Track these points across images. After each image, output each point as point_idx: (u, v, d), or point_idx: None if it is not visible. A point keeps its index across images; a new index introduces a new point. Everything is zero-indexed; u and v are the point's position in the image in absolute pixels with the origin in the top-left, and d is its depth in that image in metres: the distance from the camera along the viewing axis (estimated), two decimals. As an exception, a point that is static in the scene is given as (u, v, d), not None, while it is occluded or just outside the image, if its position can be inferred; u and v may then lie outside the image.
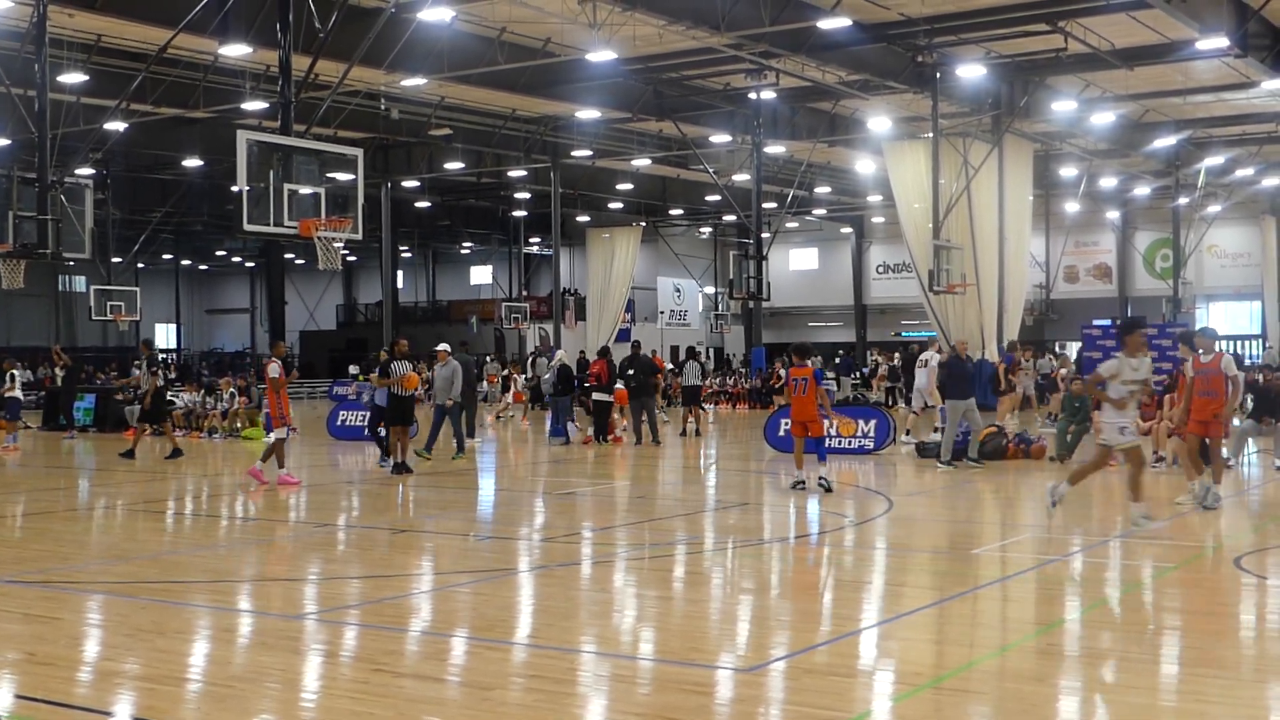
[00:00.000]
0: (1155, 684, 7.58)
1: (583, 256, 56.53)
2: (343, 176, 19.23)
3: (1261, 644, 8.68)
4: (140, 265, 60.69)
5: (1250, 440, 20.32)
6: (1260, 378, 22.62)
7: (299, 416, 31.50)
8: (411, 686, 7.41)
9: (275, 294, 70.75)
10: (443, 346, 22.71)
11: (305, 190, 18.13)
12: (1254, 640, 8.85)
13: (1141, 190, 52.04)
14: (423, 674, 7.76)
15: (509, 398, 35.18)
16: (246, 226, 17.42)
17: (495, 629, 9.02)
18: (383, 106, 35.08)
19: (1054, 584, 10.77)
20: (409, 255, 69.45)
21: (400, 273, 65.56)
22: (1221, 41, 26.78)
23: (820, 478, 16.55)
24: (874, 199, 52.90)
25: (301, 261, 66.59)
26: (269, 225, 17.52)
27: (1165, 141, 41.79)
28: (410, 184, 48.82)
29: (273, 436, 18.52)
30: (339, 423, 28.17)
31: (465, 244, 68.41)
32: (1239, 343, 54.80)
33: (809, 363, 17.43)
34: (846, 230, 63.98)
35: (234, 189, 17.61)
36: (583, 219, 56.05)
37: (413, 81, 30.80)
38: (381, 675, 7.56)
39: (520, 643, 8.64)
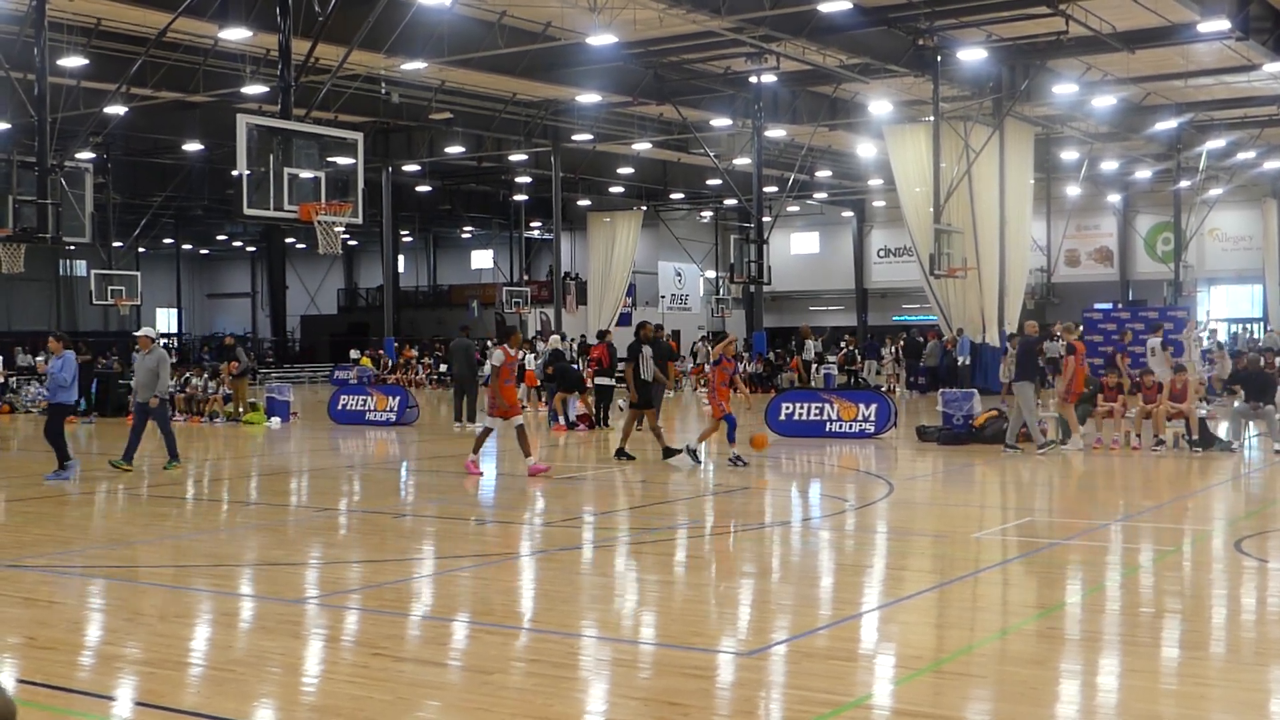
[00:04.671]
0: (1155, 667, 7.59)
1: (583, 241, 56.48)
2: (343, 161, 19.18)
3: (1261, 627, 8.68)
4: (141, 250, 60.66)
5: (1250, 423, 20.33)
6: (1248, 359, 22.70)
7: (299, 401, 31.56)
8: (411, 671, 7.42)
9: (276, 279, 70.85)
10: (143, 332, 18.76)
11: (305, 174, 18.08)
12: (1254, 623, 8.85)
13: (1143, 174, 51.94)
14: (423, 658, 7.77)
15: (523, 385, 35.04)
16: (246, 211, 17.39)
17: (495, 613, 9.04)
18: (383, 90, 35.01)
19: (1055, 568, 10.78)
20: (410, 240, 69.41)
21: (401, 257, 65.55)
22: (1223, 24, 26.71)
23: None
24: (875, 183, 52.81)
25: (302, 246, 66.59)
26: (269, 209, 17.49)
27: (1166, 125, 41.70)
28: (411, 168, 48.73)
29: (479, 426, 17.72)
30: (340, 407, 28.18)
31: (466, 228, 68.37)
32: (1241, 326, 54.82)
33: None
34: (847, 214, 63.89)
35: (234, 173, 17.55)
36: (583, 203, 55.98)
37: (413, 65, 30.75)
38: (381, 659, 7.57)
39: (521, 627, 8.65)
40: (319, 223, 18.04)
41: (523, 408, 18.09)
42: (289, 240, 66.91)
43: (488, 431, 17.76)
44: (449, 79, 35.40)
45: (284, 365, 59.96)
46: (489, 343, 51.87)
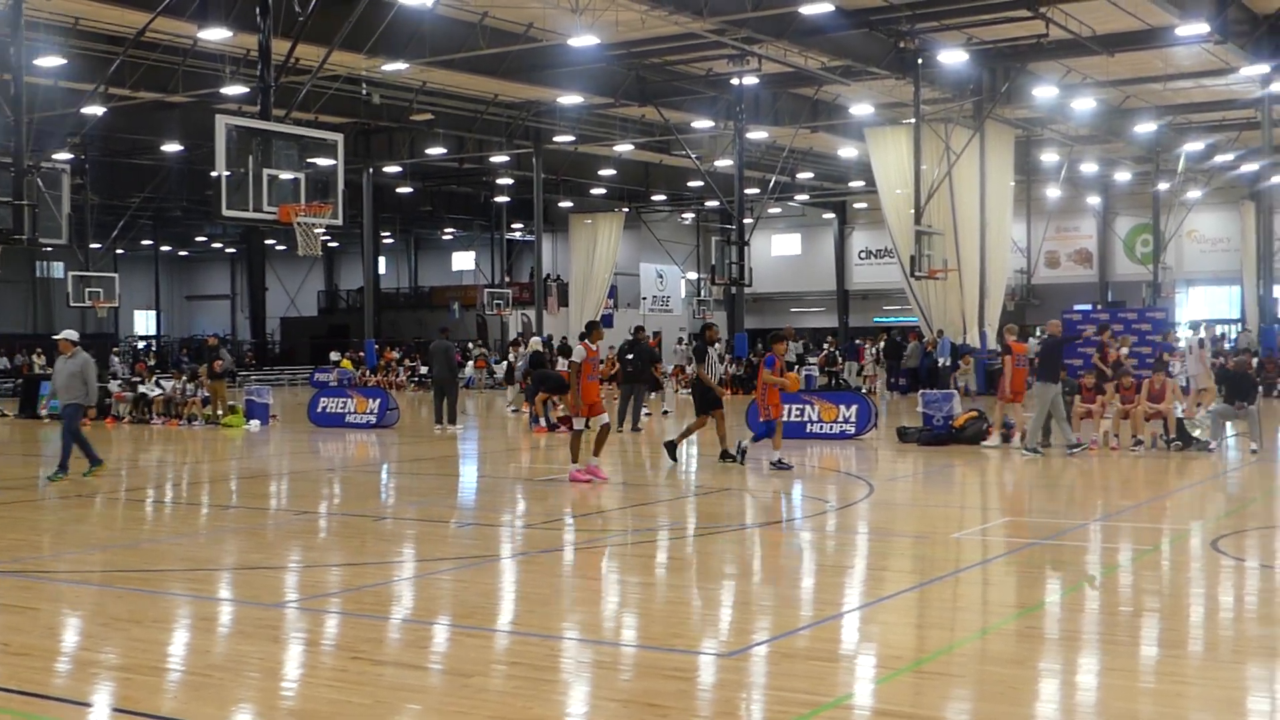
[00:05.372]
0: (1134, 666, 7.60)
1: (565, 242, 56.45)
2: (323, 162, 19.15)
3: (1239, 625, 8.70)
4: (119, 251, 60.33)
5: (1229, 424, 20.41)
6: (1226, 361, 22.81)
7: (279, 403, 31.48)
8: (391, 674, 7.39)
9: (256, 280, 70.59)
10: (64, 335, 17.79)
11: (285, 175, 18.05)
12: (1232, 621, 8.88)
13: (1122, 176, 52.18)
14: (402, 661, 7.74)
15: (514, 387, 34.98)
16: (225, 212, 17.34)
17: (475, 616, 9.01)
18: (364, 92, 34.96)
19: (1034, 567, 10.79)
20: (391, 241, 69.27)
21: (382, 259, 65.38)
22: (1201, 27, 26.85)
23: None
24: (856, 184, 52.96)
25: (282, 248, 66.43)
26: (248, 211, 17.45)
27: (1146, 127, 41.89)
28: (392, 169, 48.68)
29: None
30: (320, 410, 28.09)
31: (447, 230, 68.28)
32: (1219, 327, 55.05)
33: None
34: (829, 216, 64.00)
35: (213, 174, 17.49)
36: (565, 205, 55.96)
37: (394, 66, 30.72)
38: (360, 663, 7.54)
39: (501, 629, 8.62)
40: (299, 224, 18.00)
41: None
42: (269, 242, 66.69)
43: (578, 435, 16.67)
44: (430, 80, 35.36)
45: (264, 367, 59.75)
46: (469, 344, 52.05)
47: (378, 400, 27.77)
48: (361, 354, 48.43)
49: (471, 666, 7.53)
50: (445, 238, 70.43)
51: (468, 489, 17.63)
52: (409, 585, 10.31)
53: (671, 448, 18.67)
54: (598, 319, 19.49)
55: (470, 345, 52.64)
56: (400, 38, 28.39)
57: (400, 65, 30.47)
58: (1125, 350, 27.26)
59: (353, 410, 27.50)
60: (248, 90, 29.96)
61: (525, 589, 10.09)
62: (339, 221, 18.79)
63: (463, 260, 70.93)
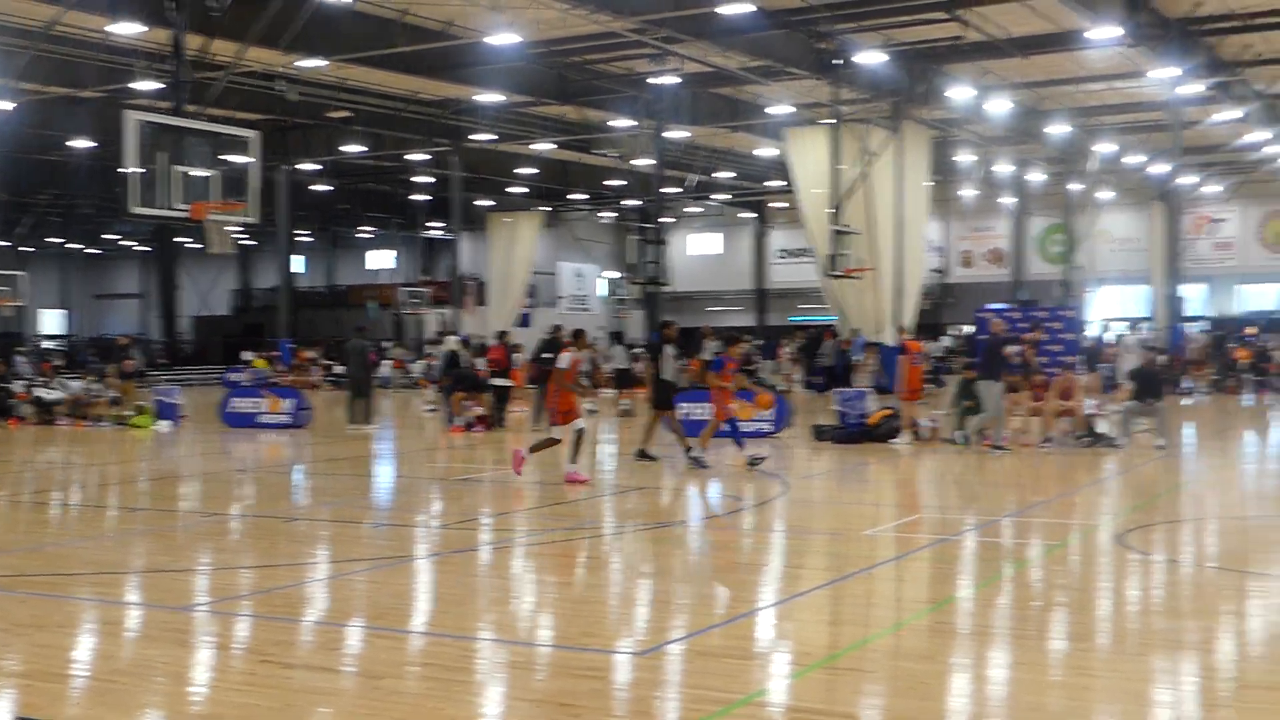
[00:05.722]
0: (1043, 660, 7.69)
1: (484, 241, 56.17)
2: (238, 159, 18.88)
3: (1145, 618, 8.85)
4: (27, 249, 59.22)
5: (1137, 420, 20.76)
6: (1145, 359, 23.24)
7: (190, 403, 31.03)
8: (301, 677, 7.30)
9: (167, 279, 69.57)
10: None
11: (198, 172, 17.77)
12: (1138, 615, 9.02)
13: (1036, 176, 52.89)
14: (312, 664, 7.65)
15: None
16: (134, 209, 17.04)
17: (388, 617, 8.93)
18: (281, 88, 34.53)
19: (946, 563, 10.91)
20: (307, 239, 68.53)
21: (298, 257, 64.73)
22: (1113, 31, 27.25)
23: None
24: (775, 184, 53.18)
25: (195, 246, 65.36)
26: (159, 208, 17.16)
27: (1059, 129, 42.47)
28: (309, 167, 48.13)
29: (556, 432, 16.46)
30: (232, 410, 27.72)
31: (365, 228, 67.65)
32: (1129, 325, 56.02)
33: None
34: (748, 215, 64.30)
35: (122, 170, 17.18)
36: (484, 203, 55.69)
37: (311, 63, 30.36)
38: (269, 666, 7.44)
39: (414, 630, 8.56)
40: (211, 222, 17.75)
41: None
42: (181, 240, 65.72)
43: (552, 441, 16.45)
44: (349, 77, 35.00)
45: (175, 367, 58.84)
46: (386, 344, 51.64)
47: (291, 400, 27.47)
48: (276, 353, 47.86)
49: (383, 668, 7.46)
50: (362, 236, 69.80)
51: (383, 489, 17.49)
52: (321, 587, 10.20)
53: (642, 454, 18.57)
54: (567, 331, 19.12)
55: (387, 344, 52.27)
56: (318, 34, 28.05)
57: (318, 62, 30.13)
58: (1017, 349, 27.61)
59: (266, 410, 27.17)
60: (162, 86, 29.48)
61: (440, 590, 10.03)
62: (253, 219, 18.56)
63: (380, 259, 70.36)
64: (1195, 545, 12.09)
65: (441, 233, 63.12)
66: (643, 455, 18.49)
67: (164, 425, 26.58)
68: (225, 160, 18.56)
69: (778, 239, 64.38)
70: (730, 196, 59.13)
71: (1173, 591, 9.90)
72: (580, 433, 16.28)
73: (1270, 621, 8.67)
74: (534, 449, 16.64)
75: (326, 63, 30.39)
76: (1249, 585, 9.79)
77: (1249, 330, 47.07)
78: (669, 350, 18.80)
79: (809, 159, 37.27)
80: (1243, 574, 10.16)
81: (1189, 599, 9.54)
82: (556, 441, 16.38)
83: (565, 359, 16.48)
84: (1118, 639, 8.23)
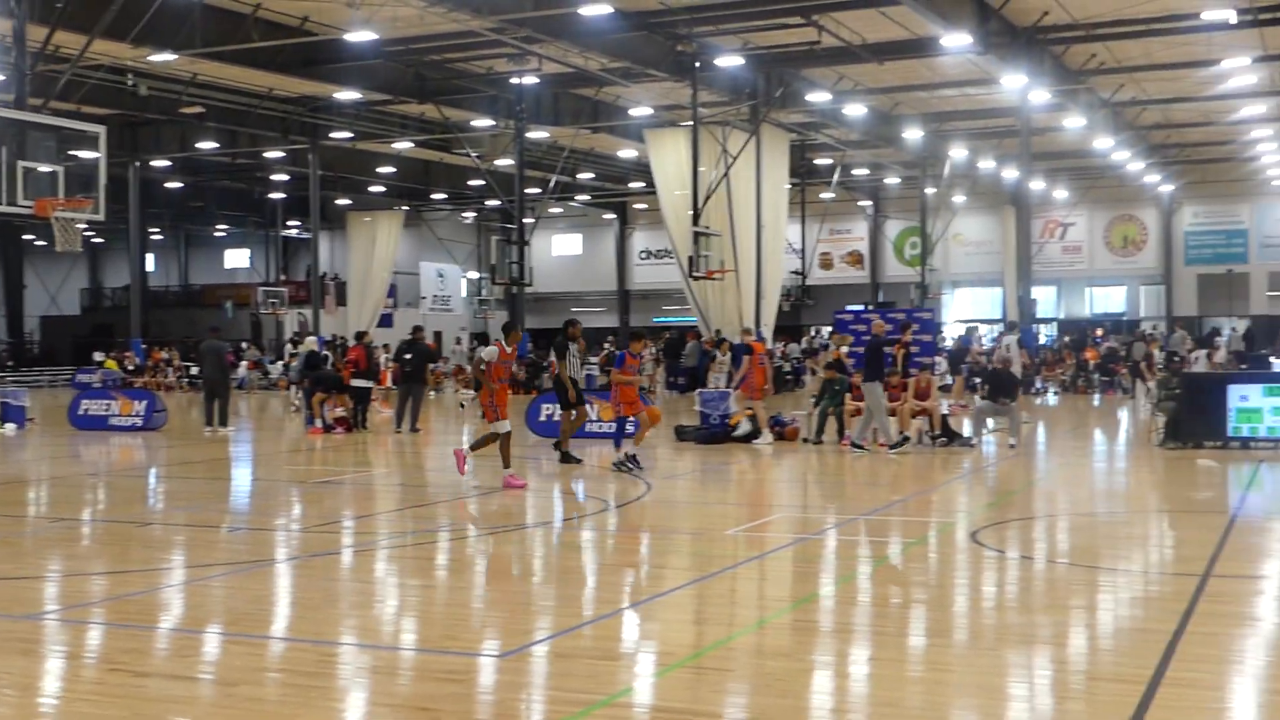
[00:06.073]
0: (902, 656, 7.82)
1: (343, 240, 55.47)
2: (85, 154, 18.36)
3: (1000, 614, 9.05)
4: None
5: (990, 420, 21.25)
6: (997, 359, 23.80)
7: (38, 406, 30.10)
8: (153, 685, 7.10)
9: (12, 277, 67.38)
10: None
11: (43, 168, 17.24)
12: (993, 610, 9.23)
13: (892, 180, 53.94)
14: (165, 672, 7.45)
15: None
16: (-26, 205, 16.48)
17: (244, 622, 8.73)
18: (130, 82, 33.65)
19: (807, 561, 11.04)
20: (160, 237, 66.92)
21: (150, 255, 63.19)
22: (964, 39, 27.90)
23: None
24: (636, 185, 53.45)
25: (42, 243, 63.45)
26: (1, 204, 16.59)
27: (914, 133, 43.36)
28: (161, 163, 47.02)
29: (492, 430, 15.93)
30: (81, 412, 26.94)
31: (220, 226, 66.31)
32: (984, 327, 57.41)
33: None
34: (609, 216, 64.47)
35: (-39, 165, 16.60)
36: (343, 202, 54.98)
37: (161, 57, 29.65)
38: (120, 675, 7.22)
39: (271, 636, 8.38)
40: (57, 219, 17.23)
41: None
42: (27, 237, 63.71)
43: (496, 437, 15.88)
44: (201, 72, 34.25)
45: (21, 369, 56.99)
46: (243, 344, 50.66)
47: (144, 402, 26.78)
48: (127, 354, 46.64)
49: (238, 675, 7.29)
50: (218, 234, 68.39)
51: (240, 493, 17.13)
52: (176, 593, 9.94)
53: (565, 456, 18.40)
54: (521, 326, 18.47)
55: (244, 345, 51.30)
56: (168, 27, 27.40)
57: (168, 56, 29.43)
58: (845, 349, 28.07)
59: (117, 413, 26.45)
60: (3, 78, 28.53)
61: (298, 594, 9.85)
62: (100, 216, 18.05)
63: (236, 258, 69.02)
64: (1047, 542, 12.41)
65: (299, 231, 62.19)
66: (565, 458, 18.38)
67: (9, 429, 25.71)
68: (72, 155, 18.05)
69: (640, 240, 64.67)
70: (591, 197, 59.24)
71: (1026, 587, 10.14)
72: (496, 436, 15.85)
73: (1119, 615, 8.93)
74: (474, 447, 16.16)
75: (177, 57, 29.69)
76: (1099, 580, 10.07)
77: (1097, 331, 48.60)
78: (573, 349, 18.70)
79: (670, 160, 37.52)
80: (1093, 569, 10.44)
81: (1041, 594, 9.78)
82: (496, 436, 15.93)
83: (491, 352, 16.02)
84: (974, 634, 8.40)
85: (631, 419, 18.00)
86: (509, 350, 16.30)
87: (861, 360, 20.49)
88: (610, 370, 17.87)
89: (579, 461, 18.22)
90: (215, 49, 29.06)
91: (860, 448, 19.72)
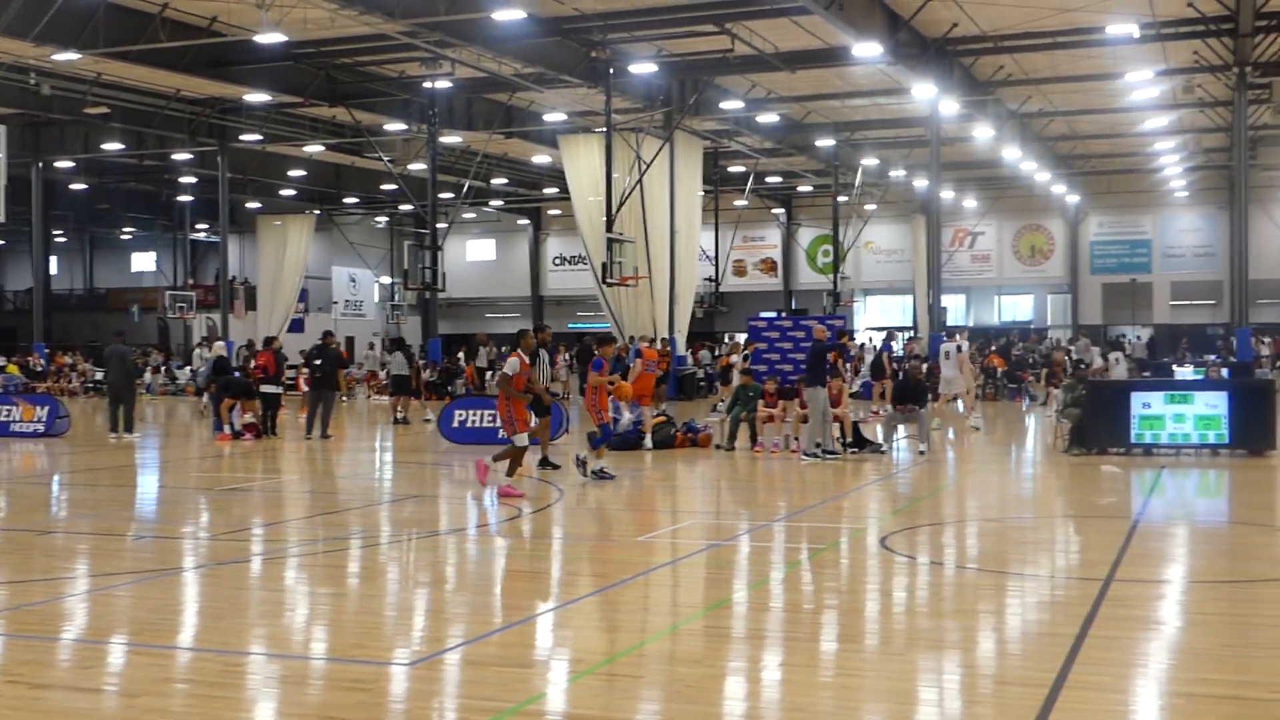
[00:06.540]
0: (813, 661, 7.86)
1: (253, 244, 54.73)
2: (-16, 154, 17.96)
3: (910, 619, 9.13)
4: None
5: (900, 427, 21.45)
6: (907, 366, 24.04)
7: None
8: (53, 697, 6.94)
9: (-90, 279, 65.65)
10: None
11: (-60, 168, 16.84)
12: (903, 615, 9.31)
13: (804, 188, 54.36)
14: (66, 684, 7.29)
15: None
16: None
17: (147, 632, 8.57)
18: (32, 81, 32.96)
19: (719, 567, 11.06)
20: (64, 240, 65.60)
21: (54, 258, 61.91)
22: (875, 49, 28.17)
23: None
24: (550, 191, 53.37)
25: (-59, 245, 62.06)
26: (-103, 204, 16.18)
27: (825, 142, 43.74)
28: (65, 164, 46.09)
29: (519, 440, 15.45)
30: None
31: (126, 229, 65.11)
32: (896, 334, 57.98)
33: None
34: (523, 222, 64.30)
35: None
36: (253, 205, 54.28)
37: (65, 56, 29.05)
38: (18, 687, 7.05)
39: (176, 646, 8.23)
40: (-44, 220, 16.81)
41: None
42: (-73, 239, 62.24)
43: (520, 451, 15.50)
44: (106, 72, 33.63)
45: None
46: (149, 349, 49.80)
47: (46, 407, 26.23)
48: (30, 358, 45.65)
49: (141, 686, 7.16)
50: (124, 237, 67.13)
51: (146, 500, 16.82)
52: (79, 602, 9.73)
53: (544, 462, 18.23)
54: (526, 331, 17.47)
55: (151, 350, 50.44)
56: (71, 26, 26.87)
57: (71, 55, 28.86)
58: (736, 358, 28.24)
59: (18, 418, 25.86)
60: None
61: (205, 603, 9.69)
62: (1, 218, 17.66)
63: (143, 261, 67.80)
64: (956, 547, 12.54)
65: (208, 235, 61.28)
66: (544, 463, 18.20)
67: (-96, 435, 25.07)
68: (-28, 155, 17.65)
69: (554, 246, 64.58)
70: (505, 203, 59.04)
71: (935, 592, 10.24)
72: (520, 450, 15.49)
73: (1025, 619, 9.05)
74: (497, 458, 15.64)
75: (80, 56, 29.14)
76: (1006, 585, 10.20)
77: (1005, 339, 49.25)
78: (544, 355, 18.41)
79: (584, 166, 37.51)
80: (1000, 574, 10.58)
81: (950, 599, 9.88)
82: (522, 450, 15.66)
83: (512, 365, 15.61)
84: (884, 639, 8.47)
85: (603, 425, 17.76)
86: (527, 360, 15.91)
87: (800, 367, 20.42)
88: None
89: (557, 467, 18.08)
90: (121, 48, 28.54)
91: (815, 456, 19.46)
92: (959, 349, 25.72)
